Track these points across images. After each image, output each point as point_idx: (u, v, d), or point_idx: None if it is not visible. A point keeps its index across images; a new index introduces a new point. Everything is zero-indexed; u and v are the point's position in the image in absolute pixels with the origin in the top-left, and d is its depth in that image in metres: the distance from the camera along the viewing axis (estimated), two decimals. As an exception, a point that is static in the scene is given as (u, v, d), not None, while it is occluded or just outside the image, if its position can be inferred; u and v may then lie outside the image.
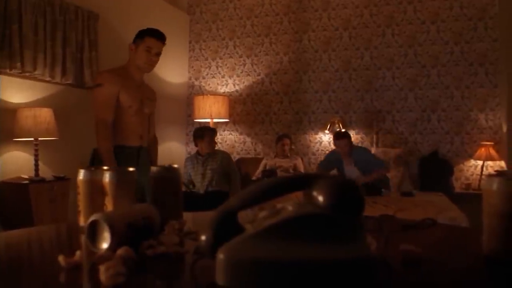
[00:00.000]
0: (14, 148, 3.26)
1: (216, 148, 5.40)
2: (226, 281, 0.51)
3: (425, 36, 4.86)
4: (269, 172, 4.71)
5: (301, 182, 0.58)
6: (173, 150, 5.47)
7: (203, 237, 0.56)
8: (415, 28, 4.89)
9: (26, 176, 3.17)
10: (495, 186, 0.64)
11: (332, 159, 4.26)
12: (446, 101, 4.78)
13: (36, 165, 3.24)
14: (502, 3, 4.39)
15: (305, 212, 0.53)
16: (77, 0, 3.73)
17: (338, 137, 4.09)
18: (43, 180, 3.18)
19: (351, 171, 4.09)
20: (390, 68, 4.98)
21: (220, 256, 0.52)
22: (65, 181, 3.34)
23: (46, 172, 3.39)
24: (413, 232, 0.82)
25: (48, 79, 3.48)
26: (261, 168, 4.93)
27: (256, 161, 5.12)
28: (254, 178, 4.80)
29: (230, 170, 3.97)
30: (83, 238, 0.82)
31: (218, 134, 5.55)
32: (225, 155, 4.06)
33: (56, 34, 3.52)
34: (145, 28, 2.53)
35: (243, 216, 0.58)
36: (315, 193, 0.54)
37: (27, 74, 3.29)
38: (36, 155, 3.23)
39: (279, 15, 5.41)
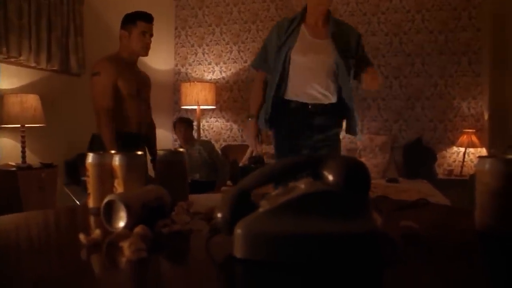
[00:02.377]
0: (0, 135, 3.22)
1: (203, 137, 5.42)
2: (244, 254, 0.55)
3: (410, 24, 4.92)
4: (256, 159, 4.75)
5: (311, 162, 0.62)
6: (160, 138, 5.43)
7: (219, 215, 0.59)
8: (400, 16, 4.95)
9: (13, 163, 3.14)
10: (487, 166, 0.69)
11: (274, 37, 2.26)
12: (430, 90, 4.87)
13: (23, 152, 3.21)
14: (485, -7, 4.47)
15: (316, 189, 0.57)
16: (62, -16, 3.66)
17: None
18: (30, 167, 3.16)
19: (323, 57, 2.13)
20: (375, 56, 5.03)
21: (238, 231, 0.55)
22: (52, 168, 3.32)
23: (33, 159, 3.36)
24: (408, 211, 0.87)
25: (33, 64, 3.42)
26: (248, 155, 4.97)
27: (243, 148, 5.15)
28: (241, 164, 4.84)
29: (214, 159, 4.00)
30: (92, 219, 0.85)
31: (205, 121, 5.57)
32: (206, 145, 4.08)
33: (41, 19, 3.45)
34: (131, 12, 2.51)
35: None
36: (325, 172, 0.58)
37: (12, 59, 3.24)
38: (23, 142, 3.20)
39: (266, 1, 5.39)
